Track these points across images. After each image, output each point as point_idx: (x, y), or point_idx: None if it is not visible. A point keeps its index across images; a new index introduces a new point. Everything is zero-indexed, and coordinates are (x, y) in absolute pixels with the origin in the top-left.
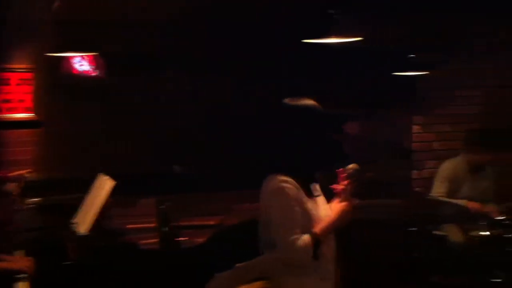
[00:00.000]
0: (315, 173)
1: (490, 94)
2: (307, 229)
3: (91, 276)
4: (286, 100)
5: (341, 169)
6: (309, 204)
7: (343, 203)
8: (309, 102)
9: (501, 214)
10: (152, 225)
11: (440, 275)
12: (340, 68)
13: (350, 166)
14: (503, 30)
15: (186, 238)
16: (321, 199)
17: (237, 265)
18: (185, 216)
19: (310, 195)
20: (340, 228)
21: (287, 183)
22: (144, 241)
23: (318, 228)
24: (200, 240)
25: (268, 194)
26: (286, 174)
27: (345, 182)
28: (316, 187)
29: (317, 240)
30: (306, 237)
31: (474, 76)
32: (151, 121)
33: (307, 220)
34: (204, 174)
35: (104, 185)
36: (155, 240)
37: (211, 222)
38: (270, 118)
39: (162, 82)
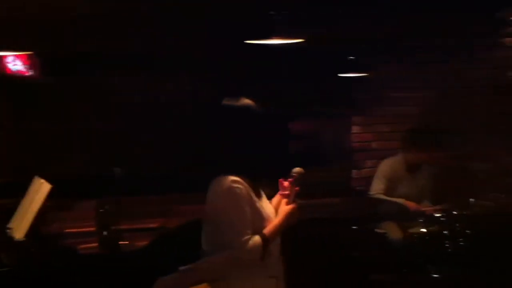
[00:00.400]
0: (261, 174)
1: (427, 95)
2: (259, 228)
3: (28, 283)
4: (228, 101)
5: (283, 179)
6: (259, 204)
7: (289, 206)
8: (250, 102)
9: (437, 212)
10: (92, 228)
11: (380, 272)
12: (282, 69)
13: (295, 170)
14: (437, 32)
15: (127, 242)
16: (265, 199)
17: (180, 268)
18: (126, 219)
19: (259, 194)
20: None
21: (238, 183)
22: (83, 245)
23: (267, 230)
24: (142, 243)
25: (218, 195)
26: (236, 175)
27: (291, 186)
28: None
29: (266, 241)
30: (256, 238)
31: (411, 78)
32: (89, 122)
33: (258, 220)
34: (144, 176)
35: (40, 189)
36: (95, 244)
37: (153, 225)
38: (213, 119)
39: (101, 83)
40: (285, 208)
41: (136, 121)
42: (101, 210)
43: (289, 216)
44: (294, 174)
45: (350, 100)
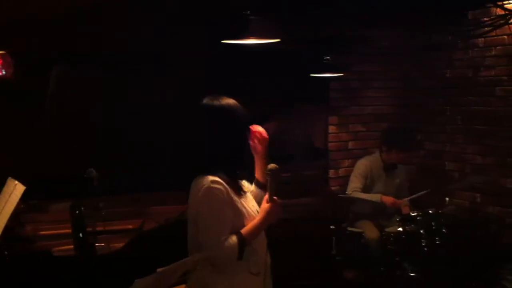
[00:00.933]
0: (241, 171)
1: (401, 94)
2: (240, 227)
3: (3, 285)
4: (207, 99)
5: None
6: (240, 202)
7: (269, 204)
8: (229, 100)
9: (412, 210)
10: (67, 230)
11: (356, 270)
12: (257, 69)
13: (270, 166)
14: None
15: (102, 244)
16: (249, 195)
17: (158, 270)
18: (102, 221)
19: (240, 192)
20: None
21: (217, 183)
22: (58, 248)
23: (245, 229)
24: (118, 245)
25: (197, 195)
26: (215, 174)
27: (269, 183)
28: (244, 183)
29: (243, 241)
30: (233, 238)
31: (387, 78)
32: (63, 122)
33: (239, 218)
34: (120, 176)
35: (14, 190)
36: (70, 246)
37: (130, 226)
38: (191, 118)
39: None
40: (264, 206)
41: (112, 121)
42: (76, 212)
43: (269, 214)
44: (268, 172)
45: (326, 100)
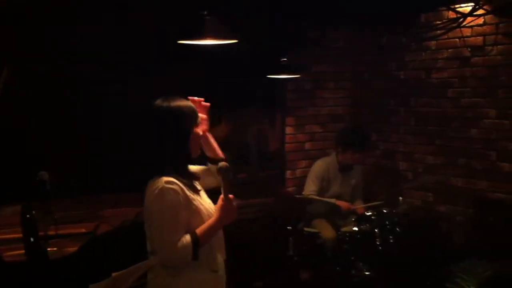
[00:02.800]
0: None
1: (356, 95)
2: (197, 227)
3: None
4: (158, 101)
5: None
6: (197, 201)
7: (223, 203)
8: (180, 101)
9: (367, 210)
10: (18, 235)
11: (312, 270)
12: (212, 70)
13: (220, 164)
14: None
15: (55, 249)
16: (204, 194)
17: (114, 274)
18: (54, 225)
19: (195, 191)
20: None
21: (171, 183)
22: (9, 253)
23: (200, 229)
24: (71, 249)
25: (151, 196)
26: (169, 175)
27: (221, 182)
28: (197, 183)
29: (197, 241)
30: (187, 238)
31: (342, 78)
32: (13, 124)
33: (196, 218)
34: (73, 179)
35: None
36: (21, 251)
37: (83, 230)
38: (143, 119)
39: (27, 82)
40: (219, 204)
41: (65, 122)
42: (27, 216)
43: (224, 212)
44: (219, 170)
45: (283, 101)
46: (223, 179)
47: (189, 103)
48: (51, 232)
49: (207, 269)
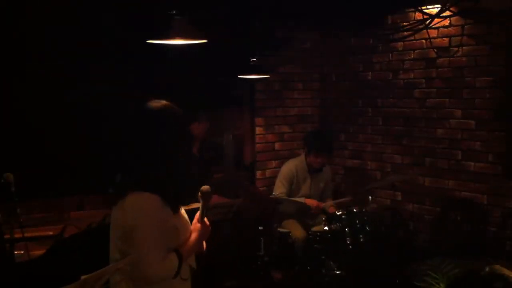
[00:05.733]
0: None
1: (324, 95)
2: (174, 244)
3: None
4: (141, 103)
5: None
6: (175, 220)
7: (199, 225)
8: (160, 103)
9: (337, 210)
10: None
11: (283, 269)
12: (182, 70)
13: (202, 188)
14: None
15: (21, 252)
16: (183, 212)
17: (82, 277)
18: (20, 227)
19: (176, 209)
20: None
21: (151, 200)
22: None
23: (184, 249)
24: (38, 252)
25: (132, 212)
26: (150, 191)
27: (200, 204)
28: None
29: (180, 259)
30: (174, 256)
31: (311, 79)
32: None
33: (173, 237)
34: (38, 181)
35: None
36: None
37: (50, 233)
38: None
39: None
40: (196, 226)
41: (31, 123)
42: None
43: (201, 233)
44: (201, 194)
45: (253, 101)
46: (204, 203)
47: (172, 107)
48: (17, 235)
49: (178, 277)
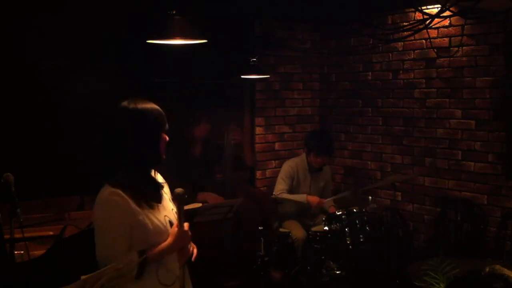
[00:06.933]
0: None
1: (325, 96)
2: (141, 240)
3: None
4: (123, 102)
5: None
6: (145, 215)
7: (177, 230)
8: (150, 104)
9: (338, 209)
10: None
11: (283, 269)
12: (181, 69)
13: (176, 190)
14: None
15: (22, 252)
16: (167, 205)
17: (82, 277)
18: (20, 227)
19: (150, 204)
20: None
21: (116, 195)
22: None
23: (151, 252)
24: (38, 252)
25: (96, 206)
26: (115, 186)
27: (176, 207)
28: (161, 193)
29: (144, 262)
30: (135, 256)
31: (311, 79)
32: None
33: (140, 231)
34: (38, 181)
35: None
36: None
37: (50, 233)
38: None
39: None
40: (173, 231)
41: (31, 124)
42: None
43: (177, 238)
44: (175, 197)
45: (253, 101)
46: (178, 205)
47: (157, 107)
48: (17, 235)
49: (156, 281)
